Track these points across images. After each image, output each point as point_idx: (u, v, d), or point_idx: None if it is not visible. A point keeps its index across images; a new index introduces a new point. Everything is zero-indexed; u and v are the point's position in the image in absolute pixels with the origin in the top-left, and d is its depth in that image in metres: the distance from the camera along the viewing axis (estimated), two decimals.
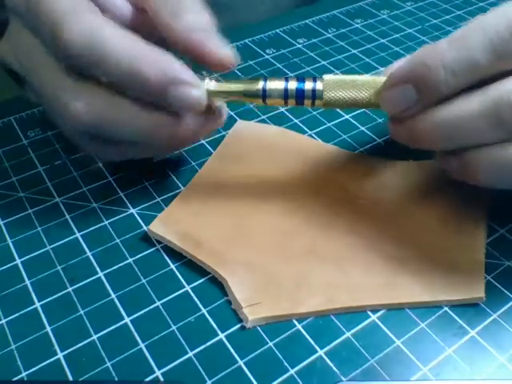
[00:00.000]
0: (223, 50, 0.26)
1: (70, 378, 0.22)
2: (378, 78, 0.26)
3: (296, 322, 0.24)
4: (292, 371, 0.22)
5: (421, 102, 0.24)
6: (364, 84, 0.26)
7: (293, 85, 0.26)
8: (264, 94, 0.26)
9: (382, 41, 0.43)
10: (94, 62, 0.24)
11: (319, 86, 0.26)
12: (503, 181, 0.24)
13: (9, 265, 0.26)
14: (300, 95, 0.26)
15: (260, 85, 0.26)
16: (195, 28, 0.25)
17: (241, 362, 0.22)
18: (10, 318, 0.24)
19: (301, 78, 0.26)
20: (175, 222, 0.27)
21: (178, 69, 0.24)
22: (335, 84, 0.26)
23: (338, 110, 0.35)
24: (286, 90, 0.26)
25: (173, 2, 0.26)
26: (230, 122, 0.34)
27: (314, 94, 0.26)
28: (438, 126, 0.23)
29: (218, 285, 0.25)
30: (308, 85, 0.26)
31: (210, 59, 0.26)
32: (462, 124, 0.23)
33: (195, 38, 0.25)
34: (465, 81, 0.23)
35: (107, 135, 0.26)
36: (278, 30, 0.44)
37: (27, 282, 0.26)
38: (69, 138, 0.28)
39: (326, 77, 0.26)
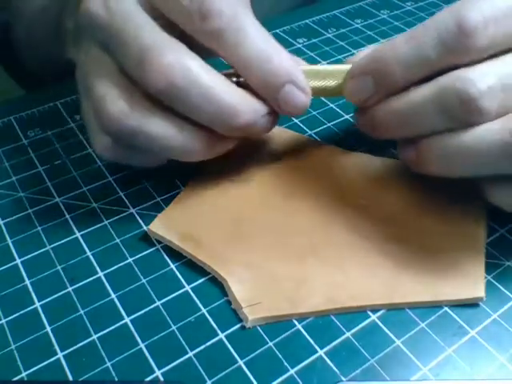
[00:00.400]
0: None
1: (70, 378, 0.22)
2: (344, 67, 0.27)
3: (296, 322, 0.24)
4: (292, 371, 0.22)
5: (378, 92, 0.25)
6: (332, 73, 0.27)
7: None
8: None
9: (382, 41, 0.43)
10: (233, 40, 0.24)
11: None
12: (452, 169, 0.25)
13: (9, 265, 0.26)
14: None
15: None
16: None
17: (241, 362, 0.22)
18: (10, 318, 0.24)
19: None
20: (175, 222, 0.27)
21: (298, 69, 0.26)
22: (309, 74, 0.27)
23: (338, 110, 0.35)
24: None
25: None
26: None
27: None
28: (393, 113, 0.25)
29: (217, 285, 0.25)
30: None
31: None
32: (413, 110, 0.24)
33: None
34: (418, 74, 0.24)
35: (137, 146, 0.26)
36: (278, 30, 0.44)
37: (27, 281, 0.26)
38: (95, 142, 0.27)
39: (303, 67, 0.27)
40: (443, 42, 0.23)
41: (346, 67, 0.27)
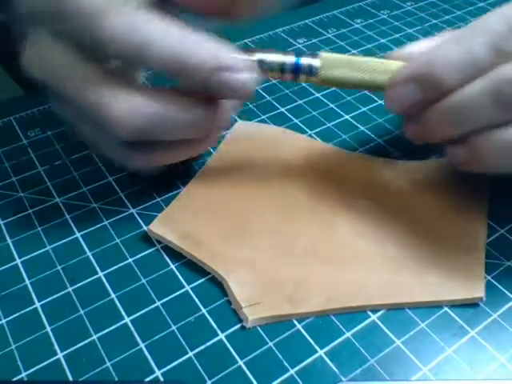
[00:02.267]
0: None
1: (70, 378, 0.22)
2: (373, 60, 0.27)
3: (296, 322, 0.24)
4: (292, 371, 0.22)
5: (425, 98, 0.25)
6: (360, 64, 0.27)
7: (291, 59, 0.27)
8: (261, 65, 0.26)
9: (382, 41, 0.43)
10: (137, 53, 0.24)
11: (316, 62, 0.27)
12: (509, 163, 0.25)
13: (9, 265, 0.26)
14: (297, 70, 0.27)
15: (257, 56, 0.26)
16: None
17: (241, 362, 0.22)
18: (10, 317, 0.24)
19: (297, 53, 0.27)
20: (175, 222, 0.27)
21: (225, 53, 0.24)
22: (332, 62, 0.27)
23: (338, 110, 0.35)
24: (283, 63, 0.27)
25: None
26: (230, 123, 0.34)
27: (311, 70, 0.27)
28: (445, 112, 0.25)
29: (217, 285, 0.25)
30: (305, 60, 0.27)
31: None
32: (466, 105, 0.24)
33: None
34: (467, 77, 0.24)
35: (151, 137, 0.26)
36: (277, 30, 0.44)
37: (27, 281, 0.26)
38: (107, 153, 0.27)
39: (324, 54, 0.27)
40: (493, 44, 0.23)
41: (392, 64, 0.27)
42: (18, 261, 0.27)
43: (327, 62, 0.27)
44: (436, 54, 0.25)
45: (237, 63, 0.25)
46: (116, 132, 0.24)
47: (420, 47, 0.27)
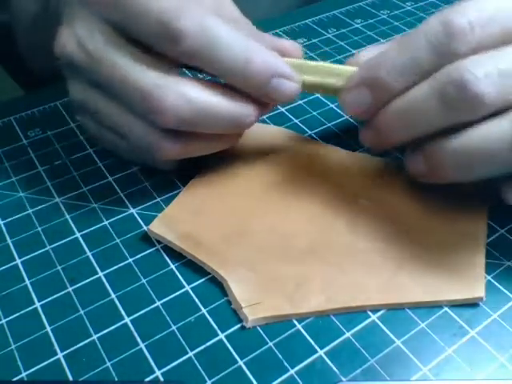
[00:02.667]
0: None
1: (70, 378, 0.22)
2: (327, 65, 0.28)
3: (296, 322, 0.24)
4: (292, 371, 0.22)
5: (376, 102, 0.26)
6: (312, 68, 0.28)
7: None
8: None
9: (382, 41, 0.43)
10: (207, 52, 0.25)
11: None
12: (464, 171, 0.25)
13: (9, 265, 0.26)
14: None
15: None
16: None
17: (241, 362, 0.22)
18: (10, 317, 0.24)
19: None
20: (175, 222, 0.27)
21: (281, 62, 0.27)
22: (293, 67, 0.27)
23: (338, 110, 0.35)
24: None
25: None
26: None
27: None
28: (396, 113, 0.25)
29: (218, 285, 0.25)
30: None
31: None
32: (413, 107, 0.25)
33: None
34: (411, 79, 0.25)
35: (195, 128, 0.26)
36: (277, 30, 0.44)
37: (27, 281, 0.26)
38: (136, 144, 0.27)
39: (286, 59, 0.28)
40: (433, 47, 0.24)
41: (346, 69, 0.27)
42: (18, 261, 0.27)
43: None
44: (381, 59, 0.25)
45: (291, 71, 0.27)
46: (163, 119, 0.25)
47: (373, 53, 0.27)
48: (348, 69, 0.27)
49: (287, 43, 0.30)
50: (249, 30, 0.29)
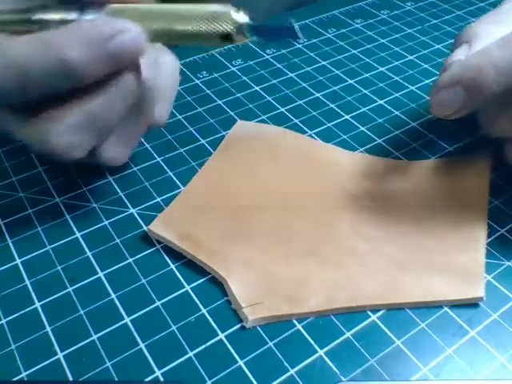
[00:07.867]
0: None
1: (70, 378, 0.22)
2: (180, 7, 0.25)
3: (296, 322, 0.24)
4: (292, 371, 0.22)
5: (471, 102, 0.25)
6: (168, 15, 0.25)
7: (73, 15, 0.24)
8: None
9: (382, 41, 0.43)
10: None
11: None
12: None
13: (9, 265, 0.26)
14: None
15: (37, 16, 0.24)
16: None
17: (241, 362, 0.22)
18: (10, 317, 0.24)
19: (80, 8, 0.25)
20: (175, 222, 0.27)
21: (105, 22, 0.23)
22: (141, 16, 0.24)
23: (337, 110, 0.35)
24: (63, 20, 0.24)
25: None
26: (230, 122, 0.34)
27: None
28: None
29: (218, 285, 0.25)
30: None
31: None
32: None
33: None
34: None
35: (103, 135, 0.26)
36: None
37: (27, 282, 0.26)
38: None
39: (111, 6, 0.25)
40: None
41: (195, 8, 0.24)
42: (18, 261, 0.27)
43: (114, 14, 0.25)
44: (482, 59, 0.25)
45: (122, 25, 0.23)
46: (70, 157, 0.25)
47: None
48: (197, 8, 0.24)
49: None
50: None
